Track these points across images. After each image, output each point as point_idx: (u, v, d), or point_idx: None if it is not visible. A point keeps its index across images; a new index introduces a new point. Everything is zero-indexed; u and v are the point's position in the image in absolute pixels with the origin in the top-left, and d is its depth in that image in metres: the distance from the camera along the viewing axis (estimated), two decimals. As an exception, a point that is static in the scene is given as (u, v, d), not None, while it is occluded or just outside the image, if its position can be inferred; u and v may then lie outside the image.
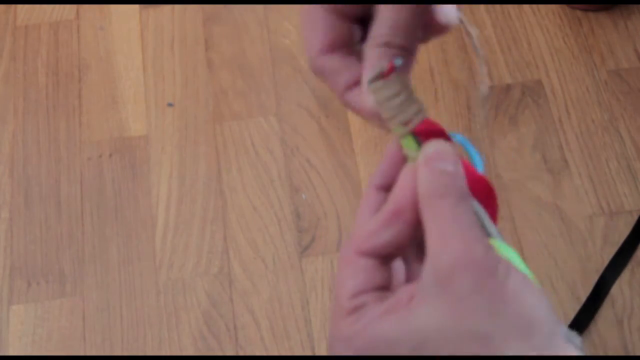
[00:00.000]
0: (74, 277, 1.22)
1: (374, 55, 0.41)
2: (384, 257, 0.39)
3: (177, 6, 1.44)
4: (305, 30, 0.44)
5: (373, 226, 0.39)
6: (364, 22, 0.44)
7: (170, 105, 1.35)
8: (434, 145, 0.39)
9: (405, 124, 0.41)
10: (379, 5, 0.41)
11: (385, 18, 0.41)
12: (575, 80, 1.34)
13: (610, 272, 1.18)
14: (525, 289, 0.36)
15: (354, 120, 1.32)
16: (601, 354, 1.13)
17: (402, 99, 0.41)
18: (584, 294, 1.17)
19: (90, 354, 1.17)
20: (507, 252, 0.38)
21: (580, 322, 1.14)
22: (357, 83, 0.43)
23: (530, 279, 0.37)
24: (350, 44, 0.44)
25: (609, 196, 1.24)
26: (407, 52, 0.42)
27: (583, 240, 1.21)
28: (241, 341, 1.17)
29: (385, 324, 0.36)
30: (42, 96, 1.37)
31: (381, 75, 0.41)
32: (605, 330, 1.14)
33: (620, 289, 1.17)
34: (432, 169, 0.38)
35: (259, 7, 1.43)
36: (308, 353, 1.15)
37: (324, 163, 1.29)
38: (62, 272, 1.22)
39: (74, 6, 1.45)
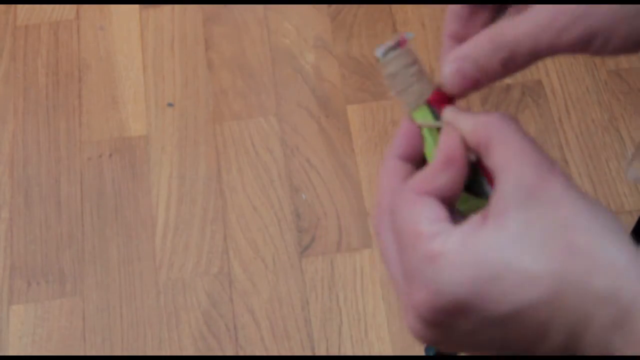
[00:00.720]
0: (74, 277, 1.22)
1: (482, 46, 0.41)
2: (442, 200, 0.40)
3: (177, 6, 1.44)
4: None
5: (430, 172, 0.40)
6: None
7: (170, 105, 1.35)
8: (453, 110, 0.41)
9: (420, 95, 0.41)
10: (536, 11, 0.39)
11: (521, 27, 0.40)
12: (575, 80, 1.34)
13: None
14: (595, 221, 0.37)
15: (354, 120, 1.32)
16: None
17: (414, 71, 0.42)
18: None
19: (90, 354, 1.17)
20: None
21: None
22: (460, 37, 0.42)
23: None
24: (487, 8, 0.43)
25: (609, 196, 1.24)
26: (506, 69, 0.41)
27: (583, 240, 1.21)
28: (241, 341, 1.17)
29: (486, 235, 0.36)
30: (42, 96, 1.37)
31: (393, 48, 0.42)
32: (605, 330, 1.14)
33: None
34: (475, 117, 0.40)
35: (259, 7, 1.43)
36: (308, 353, 1.15)
37: (324, 163, 1.29)
38: (62, 272, 1.22)
39: (74, 6, 1.45)
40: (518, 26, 0.40)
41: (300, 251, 1.22)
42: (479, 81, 0.41)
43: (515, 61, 0.40)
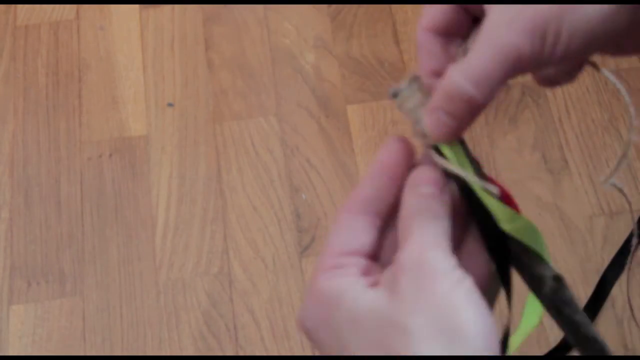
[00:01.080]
0: (74, 277, 1.22)
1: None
2: (373, 214, 0.43)
3: (177, 6, 1.44)
4: (426, 5, 0.44)
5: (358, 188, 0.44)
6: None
7: (170, 105, 1.35)
8: (418, 171, 0.43)
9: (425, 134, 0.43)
10: (480, 36, 0.41)
11: (471, 58, 0.41)
12: (575, 81, 1.34)
13: (611, 272, 1.18)
14: (466, 301, 0.38)
15: (354, 120, 1.32)
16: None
17: (419, 114, 0.43)
18: (584, 294, 1.17)
19: (90, 354, 1.17)
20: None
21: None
22: (436, 73, 0.43)
23: (476, 298, 0.39)
24: (458, 33, 0.44)
25: (609, 196, 1.24)
26: (476, 104, 0.42)
27: (583, 240, 1.21)
28: (241, 341, 1.17)
29: (348, 291, 0.41)
30: (42, 96, 1.37)
31: (407, 86, 0.44)
32: (605, 330, 1.14)
33: (620, 289, 1.17)
34: (412, 192, 0.42)
35: (259, 7, 1.43)
36: (308, 353, 1.15)
37: (324, 163, 1.29)
38: (62, 272, 1.22)
39: (74, 6, 1.45)
40: (465, 67, 0.40)
41: (300, 251, 1.22)
42: (458, 128, 0.42)
43: (480, 97, 0.41)
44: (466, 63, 0.40)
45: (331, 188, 1.27)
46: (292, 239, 1.23)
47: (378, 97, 1.34)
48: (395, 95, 0.44)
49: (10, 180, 1.30)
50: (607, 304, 1.16)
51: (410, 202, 0.42)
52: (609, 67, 1.35)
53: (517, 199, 0.44)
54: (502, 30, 0.39)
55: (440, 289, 0.38)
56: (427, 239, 0.40)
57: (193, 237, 1.24)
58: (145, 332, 1.18)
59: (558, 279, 0.41)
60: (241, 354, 1.16)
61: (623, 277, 1.18)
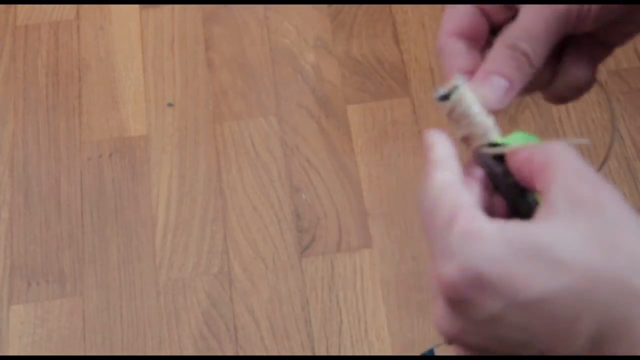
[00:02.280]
0: (74, 277, 1.22)
1: (499, 54, 0.43)
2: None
3: (177, 6, 1.44)
4: (447, 9, 0.45)
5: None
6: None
7: (170, 105, 1.35)
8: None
9: (484, 128, 0.43)
10: (523, 8, 0.43)
11: (522, 21, 0.43)
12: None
13: None
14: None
15: (354, 120, 1.32)
16: (601, 354, 1.13)
17: (474, 106, 0.43)
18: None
19: (90, 354, 1.17)
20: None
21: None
22: (468, 72, 0.44)
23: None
24: (479, 39, 0.45)
25: (609, 196, 1.24)
26: (529, 61, 0.43)
27: (583, 240, 1.21)
28: (241, 341, 1.17)
29: (527, 225, 0.37)
30: (42, 96, 1.37)
31: (452, 90, 0.43)
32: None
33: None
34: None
35: (259, 7, 1.43)
36: (308, 353, 1.15)
37: (324, 163, 1.29)
38: (62, 272, 1.22)
39: (74, 6, 1.45)
40: (519, 26, 0.43)
41: (300, 251, 1.22)
42: (512, 90, 0.43)
43: (534, 56, 0.42)
44: (517, 25, 0.42)
45: (331, 188, 1.27)
46: (292, 239, 1.23)
47: (378, 97, 1.34)
48: (444, 97, 0.43)
49: (10, 180, 1.30)
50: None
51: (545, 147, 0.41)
52: (609, 67, 1.35)
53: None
54: (544, 5, 0.42)
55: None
56: (584, 174, 0.39)
57: (193, 237, 1.24)
58: (145, 332, 1.18)
59: None
60: (241, 354, 1.16)
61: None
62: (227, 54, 1.39)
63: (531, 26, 0.42)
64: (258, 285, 1.20)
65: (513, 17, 0.44)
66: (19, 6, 1.45)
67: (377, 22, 1.41)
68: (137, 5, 1.44)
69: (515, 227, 0.36)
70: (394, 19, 1.41)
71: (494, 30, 0.45)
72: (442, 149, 0.41)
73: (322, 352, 1.15)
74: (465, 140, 0.43)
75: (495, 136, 0.43)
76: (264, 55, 1.39)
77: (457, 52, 0.44)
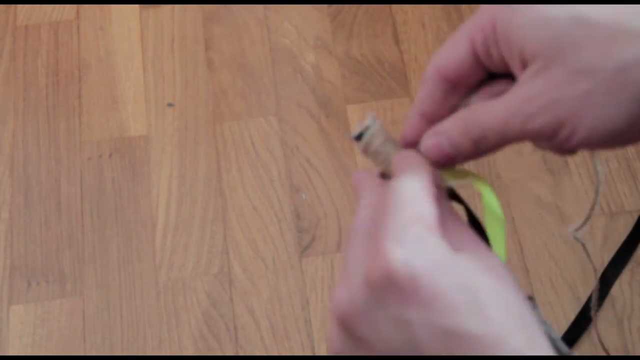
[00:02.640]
0: (74, 277, 1.22)
1: (456, 128, 0.43)
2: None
3: (177, 6, 1.44)
4: (446, 42, 0.44)
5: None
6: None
7: (170, 105, 1.35)
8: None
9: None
10: (513, 93, 0.41)
11: (500, 112, 0.41)
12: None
13: (611, 271, 1.18)
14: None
15: (354, 120, 1.32)
16: (601, 354, 1.13)
17: (389, 141, 0.45)
18: (584, 294, 1.17)
19: (90, 354, 1.17)
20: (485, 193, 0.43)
21: (581, 322, 1.14)
22: (430, 120, 0.44)
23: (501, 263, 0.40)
24: (465, 85, 0.44)
25: (609, 196, 1.24)
26: (484, 146, 0.43)
27: (583, 240, 1.21)
28: (241, 341, 1.17)
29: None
30: (42, 96, 1.37)
31: (366, 129, 0.45)
32: (605, 330, 1.14)
33: (620, 289, 1.17)
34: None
35: (259, 7, 1.43)
36: (308, 353, 1.15)
37: (324, 163, 1.29)
38: (62, 272, 1.22)
39: (74, 6, 1.45)
40: (490, 111, 0.41)
41: (300, 251, 1.22)
42: (454, 157, 0.43)
43: (486, 143, 0.42)
44: (494, 110, 0.41)
45: (331, 188, 1.27)
46: (292, 239, 1.23)
47: (378, 97, 1.34)
48: (359, 137, 0.45)
49: (10, 180, 1.30)
50: (607, 304, 1.16)
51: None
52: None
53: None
54: (526, 103, 0.40)
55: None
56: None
57: (193, 237, 1.24)
58: (145, 332, 1.18)
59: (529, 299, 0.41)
60: (241, 354, 1.16)
61: (624, 278, 1.18)
62: (227, 54, 1.39)
63: (503, 126, 0.40)
64: (258, 285, 1.20)
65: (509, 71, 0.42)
66: (19, 6, 1.45)
67: (377, 22, 1.41)
68: (137, 5, 1.44)
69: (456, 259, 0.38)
70: (394, 19, 1.41)
71: (492, 74, 0.43)
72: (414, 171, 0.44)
73: (322, 352, 1.15)
74: (385, 176, 0.45)
75: None
76: (264, 55, 1.39)
77: (429, 96, 0.44)
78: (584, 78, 0.38)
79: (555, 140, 0.40)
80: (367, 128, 0.45)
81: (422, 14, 1.41)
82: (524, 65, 0.40)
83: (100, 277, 1.22)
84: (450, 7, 1.41)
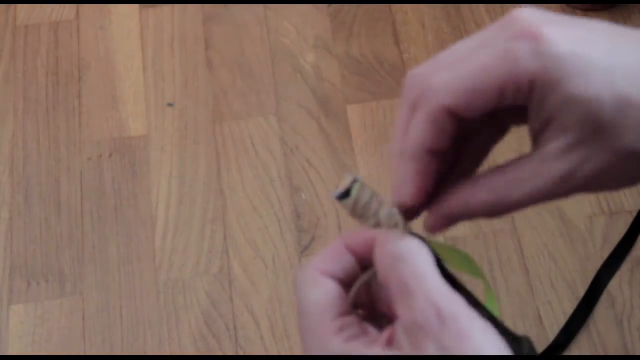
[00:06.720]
0: (74, 277, 1.22)
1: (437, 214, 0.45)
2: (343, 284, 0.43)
3: (177, 6, 1.44)
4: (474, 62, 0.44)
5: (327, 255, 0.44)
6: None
7: (170, 105, 1.35)
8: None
9: (390, 217, 0.44)
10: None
11: (475, 199, 0.45)
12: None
13: (607, 270, 1.18)
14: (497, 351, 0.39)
15: (354, 120, 1.32)
16: (601, 354, 1.13)
17: (374, 199, 0.44)
18: (584, 293, 1.17)
19: (90, 354, 1.17)
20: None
21: (576, 320, 1.14)
22: (410, 199, 0.44)
23: (499, 343, 0.39)
24: (447, 153, 0.46)
25: (609, 196, 1.24)
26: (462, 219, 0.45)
27: (583, 240, 1.21)
28: (241, 341, 1.17)
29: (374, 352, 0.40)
30: (42, 96, 1.37)
31: (350, 188, 0.44)
32: (605, 330, 1.14)
33: (620, 289, 1.17)
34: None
35: (259, 7, 1.43)
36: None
37: (324, 163, 1.29)
38: (62, 272, 1.22)
39: (74, 6, 1.45)
40: (521, 187, 0.45)
41: (300, 251, 1.22)
42: (447, 226, 0.45)
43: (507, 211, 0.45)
44: (524, 184, 0.44)
45: (331, 188, 1.27)
46: (292, 239, 1.23)
47: (378, 97, 1.34)
48: (344, 195, 0.43)
49: (10, 180, 1.30)
50: (607, 304, 1.16)
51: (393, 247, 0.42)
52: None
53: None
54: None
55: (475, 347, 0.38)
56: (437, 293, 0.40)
57: (193, 237, 1.24)
58: (145, 332, 1.18)
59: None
60: (241, 354, 1.16)
61: (624, 278, 1.18)
62: (227, 54, 1.39)
63: (535, 201, 0.43)
64: (258, 285, 1.20)
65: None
66: (19, 6, 1.45)
67: (377, 22, 1.41)
68: (137, 5, 1.44)
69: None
70: (394, 19, 1.41)
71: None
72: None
73: (322, 352, 1.15)
74: (376, 226, 0.44)
75: (406, 227, 0.44)
76: (264, 55, 1.39)
77: (405, 176, 0.43)
78: (622, 159, 0.40)
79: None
80: (353, 183, 0.43)
81: (422, 14, 1.41)
82: (548, 127, 0.43)
83: (100, 277, 1.22)
84: (450, 7, 1.41)
